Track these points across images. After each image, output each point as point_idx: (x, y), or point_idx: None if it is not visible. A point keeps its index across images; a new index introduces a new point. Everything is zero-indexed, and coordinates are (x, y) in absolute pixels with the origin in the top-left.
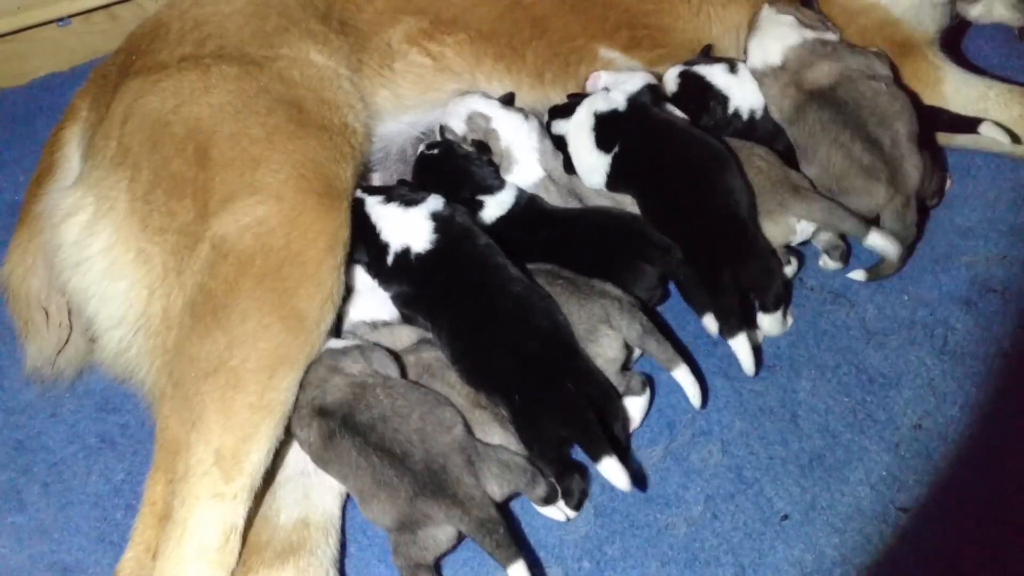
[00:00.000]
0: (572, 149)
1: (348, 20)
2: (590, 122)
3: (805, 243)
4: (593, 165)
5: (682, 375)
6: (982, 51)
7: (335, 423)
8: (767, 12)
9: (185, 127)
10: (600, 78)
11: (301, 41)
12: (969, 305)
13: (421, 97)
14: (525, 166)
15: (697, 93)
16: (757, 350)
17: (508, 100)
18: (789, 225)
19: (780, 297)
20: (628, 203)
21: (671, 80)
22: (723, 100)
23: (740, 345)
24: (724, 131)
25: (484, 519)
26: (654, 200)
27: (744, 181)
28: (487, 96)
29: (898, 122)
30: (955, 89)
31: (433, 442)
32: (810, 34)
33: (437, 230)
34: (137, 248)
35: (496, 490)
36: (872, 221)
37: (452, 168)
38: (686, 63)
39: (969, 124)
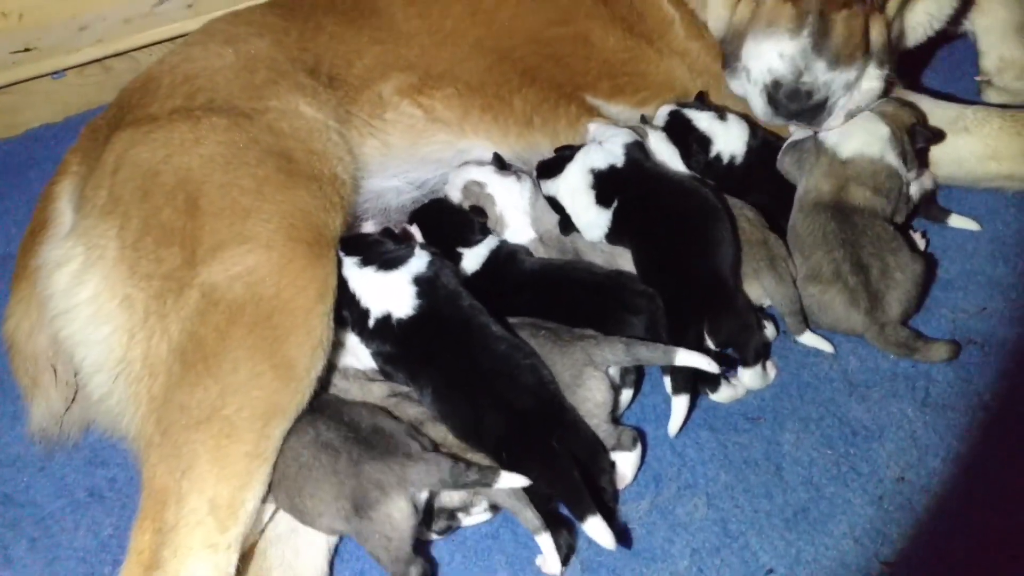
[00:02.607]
0: (570, 208)
1: (337, 75)
2: (588, 180)
3: None
4: (594, 221)
5: (685, 359)
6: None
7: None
8: (870, 114)
9: (175, 177)
10: (590, 132)
11: (290, 93)
12: None
13: (411, 147)
14: (517, 229)
15: (681, 132)
16: (741, 402)
17: (500, 163)
18: (761, 290)
19: (759, 352)
20: (623, 255)
21: (661, 117)
22: (705, 143)
23: (679, 405)
24: (705, 172)
25: (448, 463)
26: (646, 252)
27: (733, 237)
28: (481, 163)
29: (891, 256)
30: (928, 113)
31: (382, 420)
32: (892, 159)
33: (420, 295)
34: (123, 294)
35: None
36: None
37: (433, 219)
38: (679, 103)
39: (942, 213)
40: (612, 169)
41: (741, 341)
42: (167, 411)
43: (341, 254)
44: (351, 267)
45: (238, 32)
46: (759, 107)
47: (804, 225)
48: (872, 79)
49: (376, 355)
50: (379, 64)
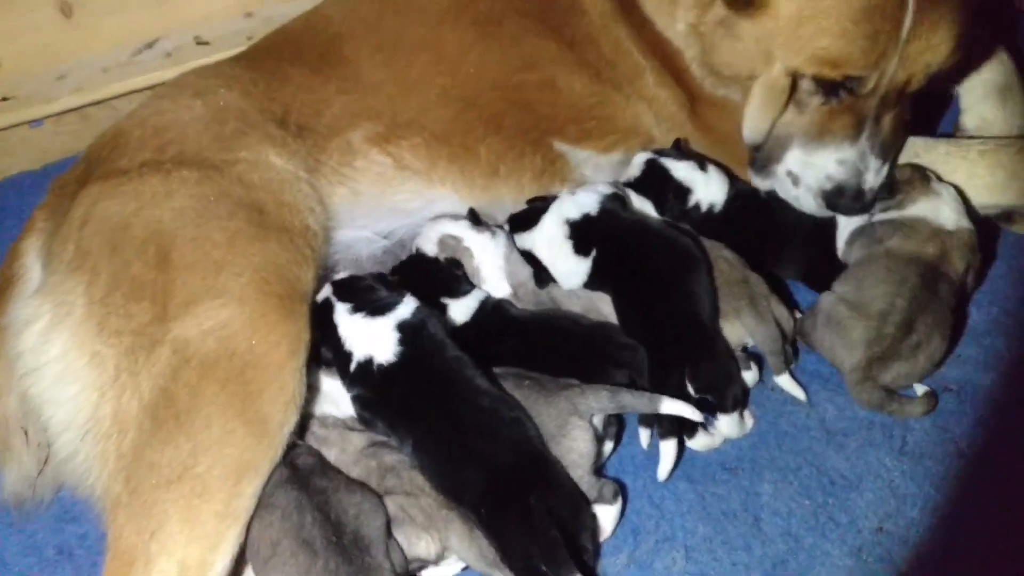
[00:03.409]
0: (548, 259)
1: (306, 124)
2: (564, 231)
3: None
4: (573, 270)
5: (670, 407)
6: None
7: (293, 475)
8: (948, 187)
9: (146, 230)
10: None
11: (260, 144)
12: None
13: (380, 195)
14: (492, 284)
15: (657, 182)
16: (719, 452)
17: (475, 218)
18: (743, 330)
19: (737, 399)
20: (602, 299)
21: (637, 165)
22: (683, 193)
23: (667, 449)
24: (679, 220)
25: None
26: (626, 299)
27: (710, 284)
28: (456, 217)
29: (937, 336)
30: (913, 155)
31: (366, 526)
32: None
33: (403, 342)
34: (92, 351)
35: None
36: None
37: (417, 272)
38: (655, 151)
39: None
40: (587, 219)
41: (720, 388)
42: (136, 469)
43: (333, 298)
44: (342, 312)
45: (207, 84)
46: (810, 206)
47: (885, 262)
48: None
49: (355, 399)
50: (347, 113)
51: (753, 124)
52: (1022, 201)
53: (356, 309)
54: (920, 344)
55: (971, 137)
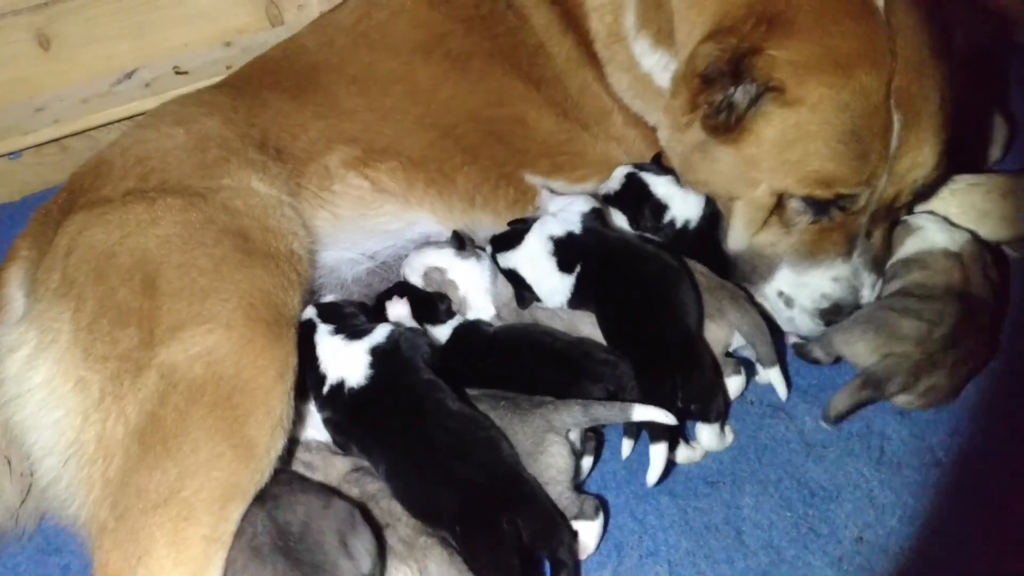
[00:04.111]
0: (531, 277)
1: (284, 148)
2: (548, 247)
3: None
4: (556, 288)
5: (642, 413)
6: None
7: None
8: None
9: (132, 257)
10: (547, 199)
11: (242, 170)
12: (903, 415)
13: (360, 218)
14: (479, 309)
15: (636, 197)
16: (700, 466)
17: (459, 242)
18: (728, 326)
19: (721, 410)
20: (583, 319)
21: (617, 178)
22: (660, 209)
23: (658, 453)
24: (655, 235)
25: None
26: (612, 314)
27: (696, 296)
28: (439, 246)
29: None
30: None
31: (316, 523)
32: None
33: (374, 365)
34: (77, 377)
35: None
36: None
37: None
38: (635, 165)
39: None
40: (570, 236)
41: (706, 398)
42: (123, 495)
43: (317, 320)
44: (322, 333)
45: (188, 112)
46: (808, 328)
47: (916, 303)
48: None
49: (327, 422)
50: (323, 137)
51: (736, 239)
52: (995, 237)
53: (337, 331)
54: (961, 361)
55: None
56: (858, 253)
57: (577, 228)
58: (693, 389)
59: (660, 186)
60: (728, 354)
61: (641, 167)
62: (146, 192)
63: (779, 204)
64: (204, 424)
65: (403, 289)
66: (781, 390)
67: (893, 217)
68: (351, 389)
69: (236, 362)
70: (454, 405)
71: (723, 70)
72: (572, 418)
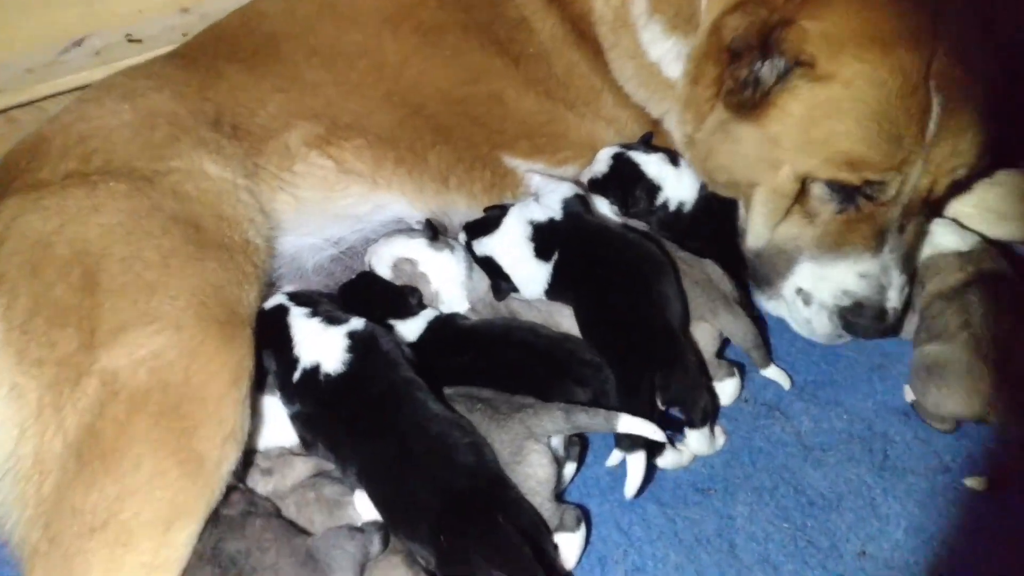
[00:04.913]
0: (508, 263)
1: (240, 125)
2: (526, 232)
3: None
4: (533, 276)
5: (628, 425)
6: None
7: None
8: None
9: (70, 249)
10: (533, 179)
11: (193, 151)
12: (907, 416)
13: (324, 200)
14: (452, 303)
15: (626, 179)
16: (690, 472)
17: (432, 231)
18: (717, 329)
19: (708, 411)
20: (561, 312)
21: (603, 160)
22: (653, 190)
23: (635, 464)
24: (646, 218)
25: None
26: (589, 306)
27: (679, 289)
28: (410, 234)
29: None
30: None
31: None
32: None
33: (352, 350)
34: (11, 383)
35: None
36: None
37: (362, 295)
38: (622, 145)
39: None
40: (551, 222)
41: (690, 399)
42: (57, 515)
43: (291, 304)
44: (298, 316)
45: (136, 86)
46: (825, 330)
47: (937, 303)
48: None
49: (295, 417)
50: (283, 112)
51: (756, 232)
52: (1013, 239)
53: (314, 314)
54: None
55: None
56: (889, 248)
57: (558, 214)
58: (675, 389)
59: (651, 165)
60: (719, 355)
61: (628, 146)
62: (88, 175)
63: (802, 192)
64: (147, 437)
65: (369, 280)
66: (784, 382)
67: (928, 211)
68: (327, 375)
69: (185, 367)
70: (436, 407)
71: (751, 43)
72: (554, 424)
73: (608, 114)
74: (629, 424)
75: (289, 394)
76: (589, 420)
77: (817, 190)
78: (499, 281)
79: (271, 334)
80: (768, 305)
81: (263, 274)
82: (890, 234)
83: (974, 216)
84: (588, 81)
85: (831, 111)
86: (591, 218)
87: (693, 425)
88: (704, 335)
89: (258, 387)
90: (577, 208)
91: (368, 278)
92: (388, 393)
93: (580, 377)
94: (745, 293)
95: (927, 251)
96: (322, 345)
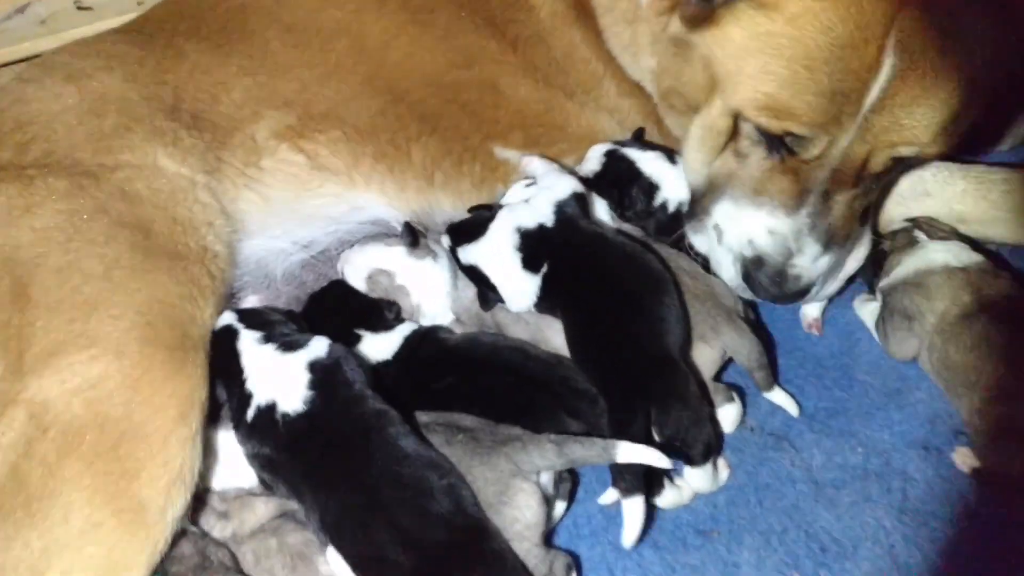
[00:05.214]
0: (494, 275)
1: (202, 113)
2: (514, 240)
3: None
4: (520, 288)
5: (629, 454)
6: None
7: None
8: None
9: None
10: (532, 164)
11: (147, 143)
12: (928, 451)
13: (295, 200)
14: (435, 315)
15: (621, 177)
16: (690, 510)
17: (412, 236)
18: (720, 348)
19: (710, 448)
20: (551, 326)
21: (594, 158)
22: (650, 189)
23: (632, 510)
24: (643, 221)
25: None
26: (581, 325)
27: (681, 309)
28: (388, 241)
29: None
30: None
31: None
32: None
33: (314, 386)
34: None
35: None
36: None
37: (333, 306)
38: (616, 142)
39: None
40: (541, 229)
41: (690, 436)
42: None
43: (240, 326)
44: (248, 341)
45: (83, 65)
46: (729, 276)
47: (957, 347)
48: (863, 245)
49: (252, 458)
50: (251, 99)
51: (689, 165)
52: (1011, 241)
53: (268, 339)
54: None
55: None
56: (807, 212)
57: (549, 220)
58: (673, 425)
59: (648, 162)
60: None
61: (622, 143)
62: (23, 168)
63: (736, 132)
64: (80, 483)
65: (340, 290)
66: (791, 408)
67: (868, 187)
68: (285, 415)
69: (126, 400)
70: (409, 445)
71: None
72: (544, 460)
73: (611, 104)
74: (629, 452)
75: (243, 433)
76: (584, 452)
77: (747, 129)
78: (486, 290)
79: (220, 362)
80: (695, 240)
81: (222, 286)
82: (812, 196)
83: (972, 215)
84: (589, 66)
85: (766, 46)
86: (586, 225)
87: (693, 463)
88: (704, 355)
89: (213, 418)
90: (571, 213)
91: (339, 288)
92: (355, 432)
93: (574, 408)
94: (752, 310)
95: (914, 264)
96: (278, 381)
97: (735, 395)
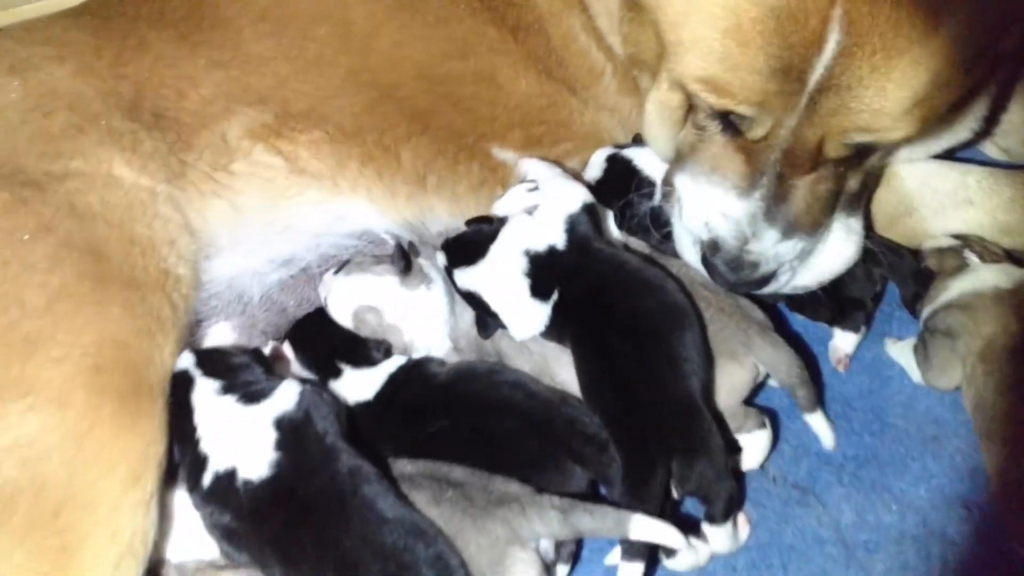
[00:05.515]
0: (497, 303)
1: (166, 111)
2: (521, 265)
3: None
4: (527, 318)
5: (643, 530)
6: None
7: None
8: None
9: None
10: (533, 167)
11: (101, 148)
12: (970, 510)
13: (272, 209)
14: (430, 347)
15: (625, 184)
16: (706, 574)
17: (404, 259)
18: (753, 366)
19: (732, 504)
20: (559, 359)
21: (596, 165)
22: (652, 195)
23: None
24: (647, 235)
25: None
26: (593, 361)
27: (704, 345)
28: (376, 270)
29: None
30: (921, 183)
31: None
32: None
33: (282, 445)
34: None
35: None
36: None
37: (314, 338)
38: (617, 146)
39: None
40: (551, 252)
41: (713, 492)
42: None
43: (197, 372)
44: (205, 391)
45: (29, 55)
46: (689, 255)
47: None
48: (849, 237)
49: (212, 528)
50: (221, 95)
51: (652, 142)
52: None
53: (227, 390)
54: None
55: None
56: (760, 195)
57: (561, 240)
58: (696, 480)
59: (655, 168)
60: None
61: (622, 146)
62: None
63: (692, 104)
64: (10, 560)
65: (320, 321)
66: (827, 438)
67: (834, 172)
68: (247, 483)
69: (69, 459)
70: (389, 507)
71: None
72: (546, 527)
73: (611, 102)
74: (645, 529)
75: (199, 500)
76: (593, 523)
77: (700, 104)
78: (486, 315)
79: (171, 416)
80: (666, 207)
81: (186, 316)
82: (764, 178)
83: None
84: (588, 59)
85: (704, 15)
86: (602, 247)
87: (714, 520)
88: (733, 376)
89: (171, 475)
90: (585, 231)
91: (319, 318)
92: (327, 495)
93: (580, 455)
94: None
95: (963, 286)
96: (240, 442)
97: (766, 420)
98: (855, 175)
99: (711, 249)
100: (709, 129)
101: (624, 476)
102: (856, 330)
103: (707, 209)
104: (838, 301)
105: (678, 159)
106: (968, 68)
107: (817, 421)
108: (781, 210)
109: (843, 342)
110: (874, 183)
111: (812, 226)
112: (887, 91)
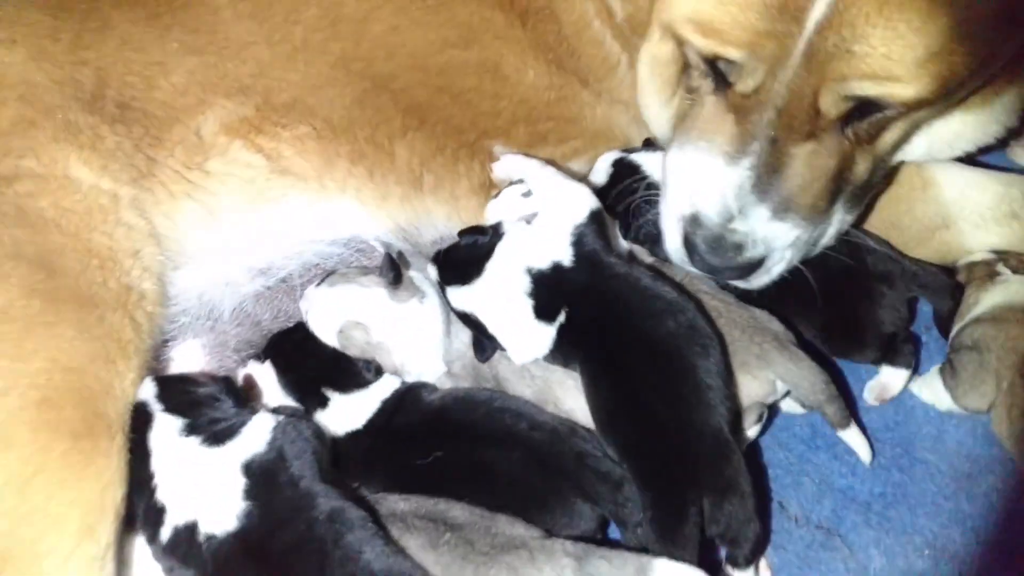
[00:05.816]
0: (494, 323)
1: (132, 101)
2: (523, 285)
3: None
4: (530, 340)
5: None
6: None
7: None
8: None
9: None
10: (508, 162)
11: (56, 145)
12: (1012, 557)
13: (250, 213)
14: (422, 372)
15: (632, 189)
16: None
17: (395, 271)
18: (770, 382)
19: (759, 548)
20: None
21: (602, 170)
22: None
23: None
24: (655, 245)
25: None
26: (606, 389)
27: (728, 372)
28: (362, 281)
29: None
30: (961, 193)
31: None
32: None
33: (251, 494)
34: None
35: None
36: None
37: (296, 356)
38: (624, 150)
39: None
40: (557, 269)
41: (742, 535)
42: None
43: (157, 407)
44: (165, 430)
45: None
46: (674, 245)
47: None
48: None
49: None
50: (195, 84)
51: (645, 112)
52: None
53: (190, 430)
54: None
55: None
56: (749, 163)
57: (567, 256)
58: (725, 522)
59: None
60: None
61: (629, 150)
62: None
63: (686, 63)
64: None
65: (305, 337)
66: (864, 452)
67: (834, 144)
68: (211, 538)
69: (12, 508)
70: (376, 558)
71: None
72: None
73: (626, 96)
74: (668, 574)
75: (159, 553)
76: (611, 572)
77: (692, 56)
78: (483, 336)
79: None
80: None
81: (150, 336)
82: (756, 143)
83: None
84: (601, 49)
85: None
86: (612, 262)
87: (737, 565)
88: (749, 388)
89: (130, 522)
90: (593, 246)
91: (300, 336)
92: (303, 548)
93: (593, 494)
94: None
95: (994, 299)
96: (202, 493)
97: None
98: (863, 157)
99: (692, 225)
100: (701, 89)
101: (652, 518)
102: (908, 365)
103: (691, 181)
104: (880, 337)
105: (672, 137)
106: (996, 26)
107: (852, 436)
108: (773, 183)
109: (894, 379)
110: (883, 178)
111: (810, 209)
112: (898, 32)
